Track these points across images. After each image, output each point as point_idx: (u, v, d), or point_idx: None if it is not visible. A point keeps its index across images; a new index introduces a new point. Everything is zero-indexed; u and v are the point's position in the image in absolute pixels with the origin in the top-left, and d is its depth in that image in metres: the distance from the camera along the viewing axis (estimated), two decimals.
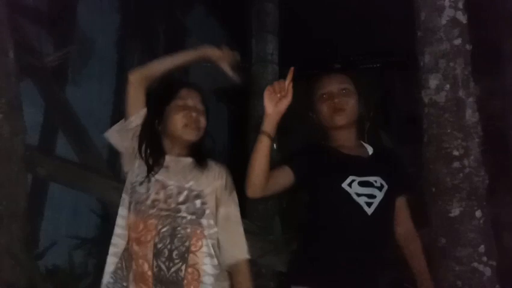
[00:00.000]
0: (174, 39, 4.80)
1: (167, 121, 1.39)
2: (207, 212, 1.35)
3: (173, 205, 1.32)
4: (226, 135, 4.91)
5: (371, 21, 3.78)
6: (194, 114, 1.39)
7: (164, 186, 1.33)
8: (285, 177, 1.41)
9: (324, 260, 1.40)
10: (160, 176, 1.34)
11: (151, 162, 1.35)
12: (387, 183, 1.45)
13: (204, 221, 1.34)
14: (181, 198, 1.33)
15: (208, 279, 1.30)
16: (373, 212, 1.40)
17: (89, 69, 3.91)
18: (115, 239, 1.34)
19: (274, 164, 1.40)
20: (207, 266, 1.31)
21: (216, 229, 1.37)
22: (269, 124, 1.31)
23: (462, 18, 1.74)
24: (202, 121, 1.42)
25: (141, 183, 1.33)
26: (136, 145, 1.39)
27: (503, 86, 2.70)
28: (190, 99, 1.42)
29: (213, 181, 1.40)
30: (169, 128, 1.39)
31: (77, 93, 3.61)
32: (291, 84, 1.30)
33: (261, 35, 3.14)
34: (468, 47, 1.74)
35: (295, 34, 3.73)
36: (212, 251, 1.33)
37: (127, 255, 1.32)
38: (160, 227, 1.29)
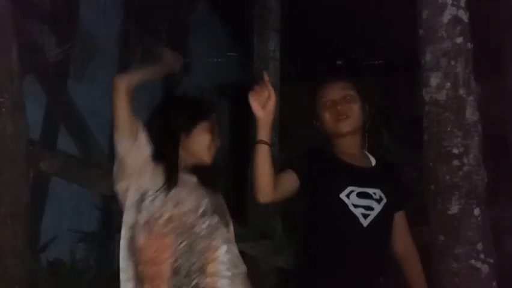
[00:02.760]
0: (176, 37, 4.81)
1: (193, 139, 1.39)
2: (221, 228, 1.36)
3: (189, 220, 1.30)
4: (227, 132, 4.92)
5: (374, 19, 3.78)
6: (217, 140, 1.43)
7: (179, 203, 1.31)
8: (291, 181, 1.41)
9: (321, 266, 1.41)
10: (175, 191, 1.31)
11: (169, 177, 1.31)
12: (386, 197, 1.44)
13: (218, 234, 1.34)
14: (198, 213, 1.32)
15: (223, 282, 1.30)
16: (369, 224, 1.40)
17: (91, 66, 3.93)
18: (122, 263, 1.28)
19: (278, 168, 1.41)
20: (222, 271, 1.31)
21: (229, 234, 1.39)
22: (263, 129, 1.32)
23: (464, 16, 1.75)
24: (219, 145, 1.45)
25: (153, 200, 1.28)
26: (147, 161, 1.33)
27: (504, 86, 2.70)
28: (216, 124, 1.45)
29: (218, 200, 1.43)
30: (193, 147, 1.39)
31: (79, 90, 3.63)
32: (269, 84, 1.32)
33: (263, 32, 3.15)
34: (469, 45, 1.74)
35: (297, 31, 3.73)
36: (225, 258, 1.33)
37: (137, 280, 1.27)
38: (176, 244, 1.27)
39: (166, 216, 1.28)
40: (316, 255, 1.43)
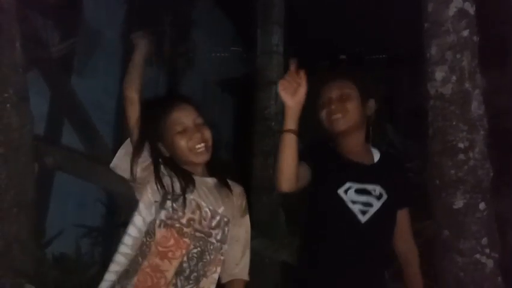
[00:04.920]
0: (180, 31, 4.79)
1: (173, 148, 1.33)
2: (229, 238, 1.36)
3: (206, 228, 1.31)
4: (231, 126, 4.92)
5: (378, 13, 3.75)
6: (198, 136, 1.33)
7: (199, 207, 1.31)
8: (305, 172, 1.41)
9: (320, 263, 1.41)
10: (193, 196, 1.31)
11: (184, 181, 1.30)
12: (387, 193, 1.43)
13: (225, 247, 1.34)
14: (214, 223, 1.32)
15: None
16: (367, 220, 1.39)
17: (94, 60, 3.93)
18: (118, 257, 1.30)
19: None
20: None
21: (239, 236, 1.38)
22: (291, 119, 1.30)
23: (470, 9, 1.73)
24: (208, 137, 1.35)
25: (175, 200, 1.28)
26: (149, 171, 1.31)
27: (509, 79, 2.68)
28: (185, 118, 1.33)
29: (235, 203, 1.39)
30: (178, 155, 1.34)
31: (83, 84, 3.63)
32: (303, 72, 1.29)
33: (267, 26, 3.13)
34: (475, 38, 1.72)
35: (300, 25, 3.71)
36: (217, 277, 1.34)
37: (128, 272, 1.28)
38: (191, 247, 1.28)
39: (187, 217, 1.29)
40: (315, 252, 1.43)
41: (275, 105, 2.96)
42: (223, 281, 1.39)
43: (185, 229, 1.28)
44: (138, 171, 1.30)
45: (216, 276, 1.33)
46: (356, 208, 1.39)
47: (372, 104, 1.51)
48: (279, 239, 2.69)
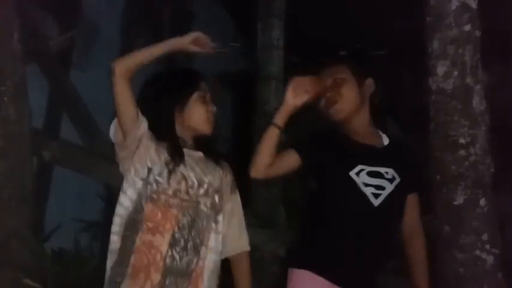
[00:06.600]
0: (180, 25, 4.76)
1: (189, 112, 1.38)
2: (223, 208, 1.38)
3: (194, 197, 1.33)
4: (230, 121, 4.90)
5: (379, 7, 3.72)
6: (211, 109, 1.41)
7: (184, 178, 1.33)
8: (290, 161, 1.44)
9: (325, 247, 1.41)
10: (179, 167, 1.33)
11: (173, 153, 1.33)
12: (399, 176, 1.42)
13: (219, 217, 1.37)
14: (201, 191, 1.34)
15: (206, 274, 1.32)
16: (380, 203, 1.38)
17: (93, 54, 3.90)
18: (112, 237, 1.31)
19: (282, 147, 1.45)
20: (210, 261, 1.33)
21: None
22: (282, 116, 1.40)
23: (472, 3, 1.71)
24: (214, 114, 1.44)
25: (160, 174, 1.30)
26: (144, 142, 1.33)
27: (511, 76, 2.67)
28: (208, 92, 1.43)
29: (224, 177, 1.42)
30: (189, 120, 1.38)
31: (82, 78, 3.61)
32: (314, 80, 1.39)
33: (267, 20, 3.11)
34: (478, 33, 1.71)
35: (301, 19, 3.69)
36: (219, 247, 1.36)
37: (125, 250, 1.29)
38: (180, 217, 1.29)
39: (172, 188, 1.31)
40: (320, 237, 1.43)
41: (275, 100, 2.95)
42: (227, 255, 1.41)
43: (171, 200, 1.30)
44: (132, 136, 1.31)
45: (214, 245, 1.34)
46: (368, 191, 1.39)
47: (370, 82, 1.51)
48: (279, 234, 2.69)
